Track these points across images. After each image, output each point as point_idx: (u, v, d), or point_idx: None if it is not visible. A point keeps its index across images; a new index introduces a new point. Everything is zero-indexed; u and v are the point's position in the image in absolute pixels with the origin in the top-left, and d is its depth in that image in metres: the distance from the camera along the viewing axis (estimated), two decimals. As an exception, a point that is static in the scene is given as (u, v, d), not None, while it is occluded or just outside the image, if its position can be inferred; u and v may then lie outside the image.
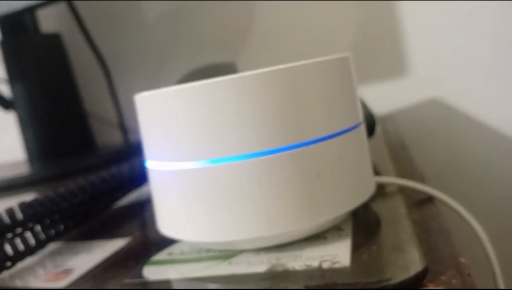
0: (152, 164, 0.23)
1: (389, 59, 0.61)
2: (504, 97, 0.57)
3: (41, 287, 0.24)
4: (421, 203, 0.25)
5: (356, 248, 0.20)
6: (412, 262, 0.18)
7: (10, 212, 0.27)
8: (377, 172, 0.32)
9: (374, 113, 0.36)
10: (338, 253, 0.20)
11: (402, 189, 0.28)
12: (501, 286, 0.24)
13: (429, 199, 0.26)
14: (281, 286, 0.18)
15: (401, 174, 0.31)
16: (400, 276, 0.17)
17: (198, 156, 0.21)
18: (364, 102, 0.37)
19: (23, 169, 0.60)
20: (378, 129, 0.47)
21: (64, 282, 0.24)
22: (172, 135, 0.22)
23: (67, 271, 0.25)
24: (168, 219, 0.23)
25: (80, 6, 0.66)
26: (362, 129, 0.24)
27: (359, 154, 0.23)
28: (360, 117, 0.24)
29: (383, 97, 0.61)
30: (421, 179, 0.29)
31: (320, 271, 0.19)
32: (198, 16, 0.68)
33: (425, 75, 0.60)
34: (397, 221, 0.23)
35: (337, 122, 0.22)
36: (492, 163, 0.59)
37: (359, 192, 0.23)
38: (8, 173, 0.59)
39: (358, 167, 0.23)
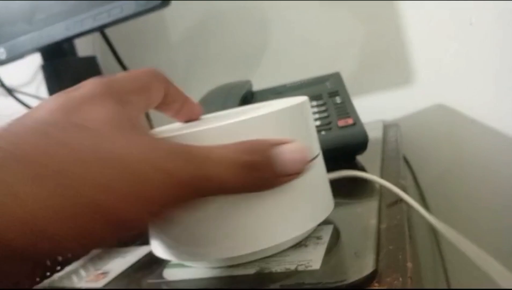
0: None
1: (394, 69, 0.65)
2: (505, 100, 0.60)
3: (84, 287, 0.30)
4: (392, 211, 0.30)
5: (328, 254, 0.25)
6: (366, 266, 0.23)
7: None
8: (362, 184, 0.36)
9: (366, 132, 0.40)
10: (313, 258, 0.25)
11: (382, 197, 0.32)
12: (453, 285, 0.29)
13: (400, 205, 0.30)
14: (263, 286, 0.23)
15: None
16: (353, 277, 0.22)
17: None
18: (358, 121, 0.41)
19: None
20: (381, 137, 0.51)
21: (103, 282, 0.30)
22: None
23: (105, 273, 0.31)
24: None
25: (111, 31, 0.73)
26: (319, 160, 0.28)
27: (317, 181, 0.27)
28: (316, 150, 0.28)
29: (390, 105, 0.65)
30: (403, 189, 0.34)
31: (295, 273, 0.24)
32: (218, 37, 0.75)
33: (429, 82, 0.64)
34: (367, 230, 0.28)
35: None
36: (493, 165, 0.62)
37: (317, 212, 0.27)
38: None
39: (316, 191, 0.27)
